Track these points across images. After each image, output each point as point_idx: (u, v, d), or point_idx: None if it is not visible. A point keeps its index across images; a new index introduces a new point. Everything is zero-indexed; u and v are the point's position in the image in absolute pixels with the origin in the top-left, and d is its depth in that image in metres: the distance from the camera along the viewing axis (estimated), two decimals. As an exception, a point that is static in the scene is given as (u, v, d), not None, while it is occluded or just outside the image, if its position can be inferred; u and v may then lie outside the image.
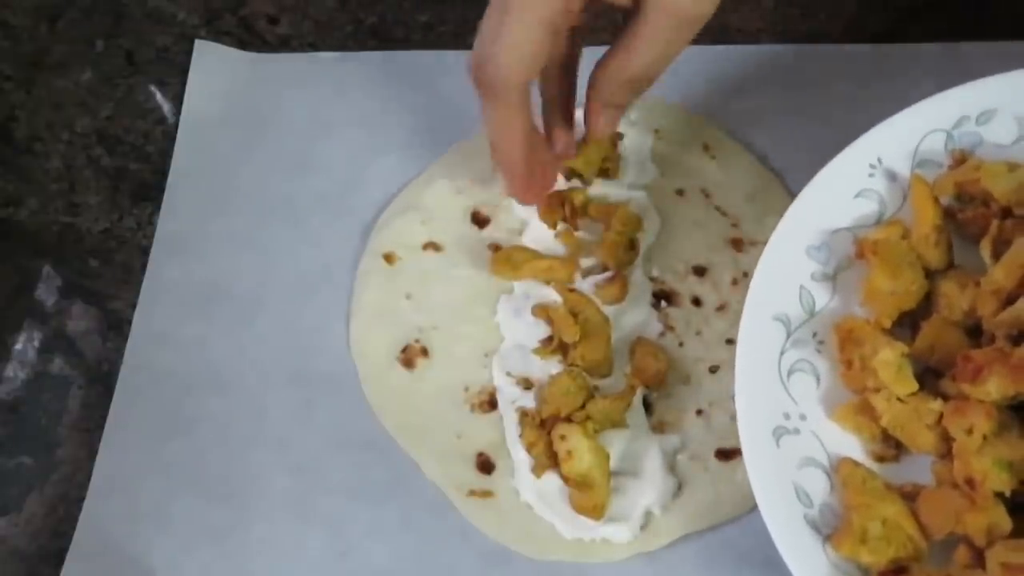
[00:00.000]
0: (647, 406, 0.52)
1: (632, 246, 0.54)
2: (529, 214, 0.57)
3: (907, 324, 0.49)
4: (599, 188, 0.57)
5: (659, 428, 0.51)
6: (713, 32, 0.63)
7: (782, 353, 0.48)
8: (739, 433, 0.46)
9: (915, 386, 0.46)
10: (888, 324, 0.48)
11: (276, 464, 0.52)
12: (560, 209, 0.55)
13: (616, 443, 0.50)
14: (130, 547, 0.50)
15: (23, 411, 0.55)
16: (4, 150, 0.63)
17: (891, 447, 0.47)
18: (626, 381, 0.51)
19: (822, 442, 0.47)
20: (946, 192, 0.51)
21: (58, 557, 0.50)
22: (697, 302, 0.55)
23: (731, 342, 0.54)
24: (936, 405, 0.45)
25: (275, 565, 0.50)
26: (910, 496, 0.45)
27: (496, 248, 0.56)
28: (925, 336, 0.48)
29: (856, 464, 0.46)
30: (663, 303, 0.55)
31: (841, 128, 0.59)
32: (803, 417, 0.47)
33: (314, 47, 0.65)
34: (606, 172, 0.57)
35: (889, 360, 0.46)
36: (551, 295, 0.53)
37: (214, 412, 0.53)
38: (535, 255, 0.54)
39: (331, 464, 0.52)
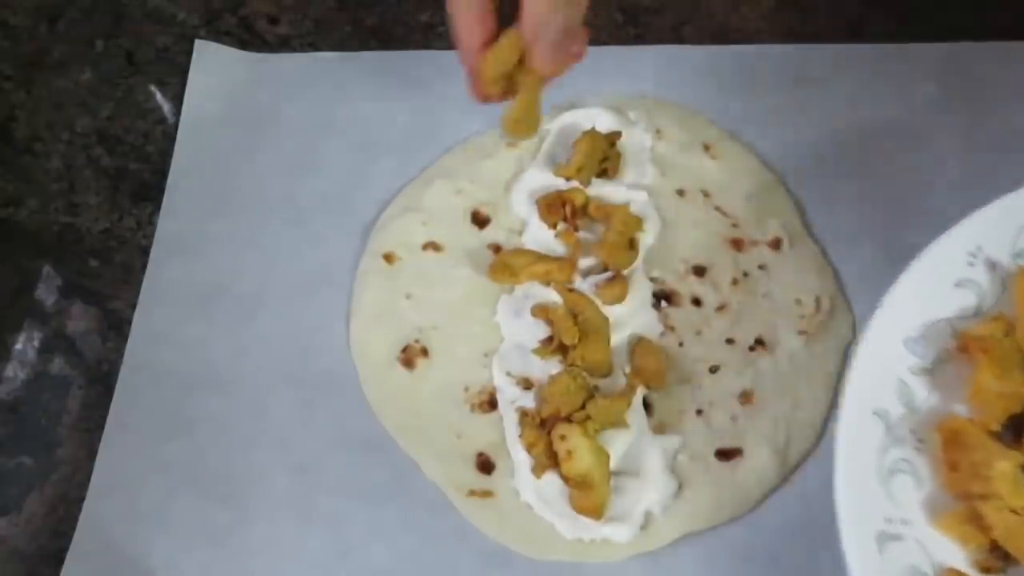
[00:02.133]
0: (647, 406, 0.52)
1: (632, 246, 0.54)
2: (529, 214, 0.57)
3: (1011, 428, 0.47)
4: (599, 188, 0.57)
5: (659, 428, 0.51)
6: (713, 32, 0.64)
7: (883, 451, 0.45)
8: (841, 537, 0.43)
9: None
10: (997, 427, 0.46)
11: (276, 464, 0.52)
12: (560, 209, 0.55)
13: (616, 443, 0.50)
14: (130, 547, 0.50)
15: (23, 411, 0.55)
16: (4, 150, 0.63)
17: (999, 559, 0.45)
18: (626, 381, 0.51)
19: (926, 549, 0.44)
20: None
21: (58, 557, 0.50)
22: (697, 302, 0.55)
23: (731, 342, 0.54)
24: None
25: (275, 565, 0.50)
26: None
27: (496, 248, 0.56)
28: None
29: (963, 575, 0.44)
30: (663, 303, 0.55)
31: (841, 128, 0.59)
32: (905, 522, 0.44)
33: (314, 47, 0.65)
34: (605, 172, 0.57)
35: (1007, 472, 0.44)
36: (551, 295, 0.53)
37: (214, 412, 0.53)
38: (533, 259, 0.54)
39: (331, 464, 0.52)
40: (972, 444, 0.45)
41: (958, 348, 0.47)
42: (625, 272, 0.54)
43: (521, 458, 0.50)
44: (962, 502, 0.45)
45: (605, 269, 0.54)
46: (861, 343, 0.46)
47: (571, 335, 0.51)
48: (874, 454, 0.45)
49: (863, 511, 0.44)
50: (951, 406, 0.47)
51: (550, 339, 0.52)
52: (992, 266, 0.48)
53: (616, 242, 0.54)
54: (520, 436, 0.50)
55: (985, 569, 0.45)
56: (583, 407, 0.49)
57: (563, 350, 0.52)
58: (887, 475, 0.45)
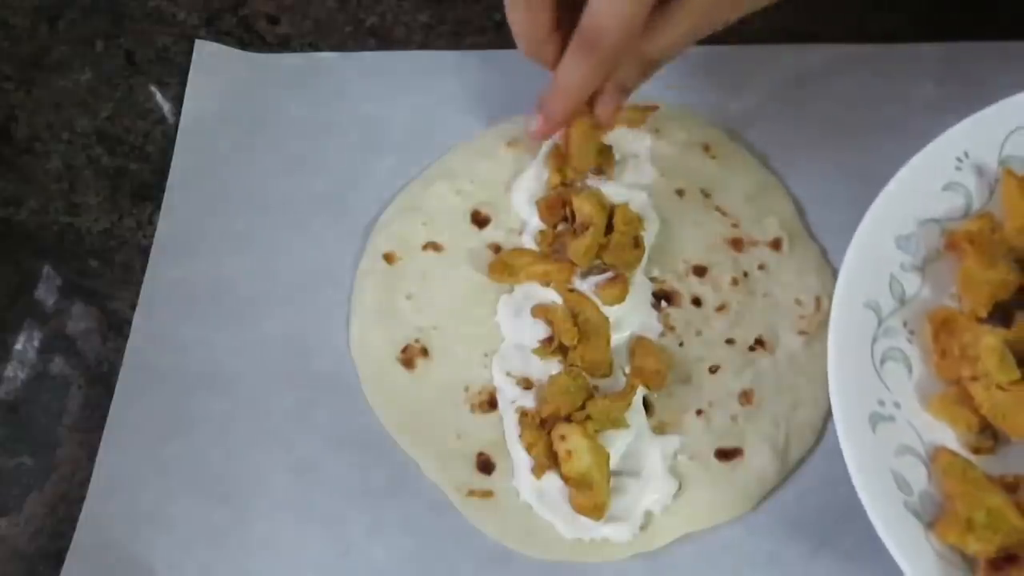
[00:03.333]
0: (647, 406, 0.52)
1: (637, 244, 0.54)
2: (529, 214, 0.57)
3: (998, 316, 0.49)
4: (599, 188, 0.57)
5: (659, 428, 0.51)
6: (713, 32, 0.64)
7: (874, 341, 0.47)
8: (835, 418, 0.45)
9: (1018, 373, 0.46)
10: (984, 314, 0.48)
11: (276, 464, 0.52)
12: (560, 209, 0.55)
13: (616, 443, 0.50)
14: (130, 547, 0.50)
15: (23, 411, 0.55)
16: (4, 150, 0.63)
17: (988, 438, 0.47)
18: (626, 381, 0.51)
19: (917, 431, 0.46)
20: None
21: (58, 557, 0.50)
22: (697, 302, 0.55)
23: (731, 342, 0.54)
24: None
25: (275, 565, 0.50)
26: (1011, 487, 0.45)
27: (496, 248, 0.56)
28: (1021, 326, 0.48)
29: (955, 454, 0.46)
30: (663, 303, 0.55)
31: (841, 128, 0.59)
32: (897, 405, 0.46)
33: (314, 47, 0.65)
34: (601, 170, 0.57)
35: (993, 346, 0.45)
36: (551, 295, 0.53)
37: (214, 412, 0.53)
38: (533, 258, 0.54)
39: (331, 464, 0.52)
40: (960, 329, 0.47)
41: (947, 246, 0.50)
42: (630, 272, 0.54)
43: (521, 458, 0.50)
44: (952, 386, 0.47)
45: (605, 269, 0.54)
46: (854, 241, 0.48)
47: (571, 336, 0.51)
48: (867, 343, 0.47)
49: (856, 393, 0.46)
50: (941, 300, 0.49)
51: (550, 339, 0.52)
52: (979, 171, 0.51)
53: (621, 242, 0.54)
54: (520, 436, 0.50)
55: (975, 450, 0.47)
56: (583, 407, 0.49)
57: (563, 350, 0.52)
58: (879, 362, 0.47)
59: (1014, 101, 0.51)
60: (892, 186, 0.50)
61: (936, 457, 0.46)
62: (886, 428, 0.45)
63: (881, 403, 0.46)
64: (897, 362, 0.48)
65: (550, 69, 0.52)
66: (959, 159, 0.51)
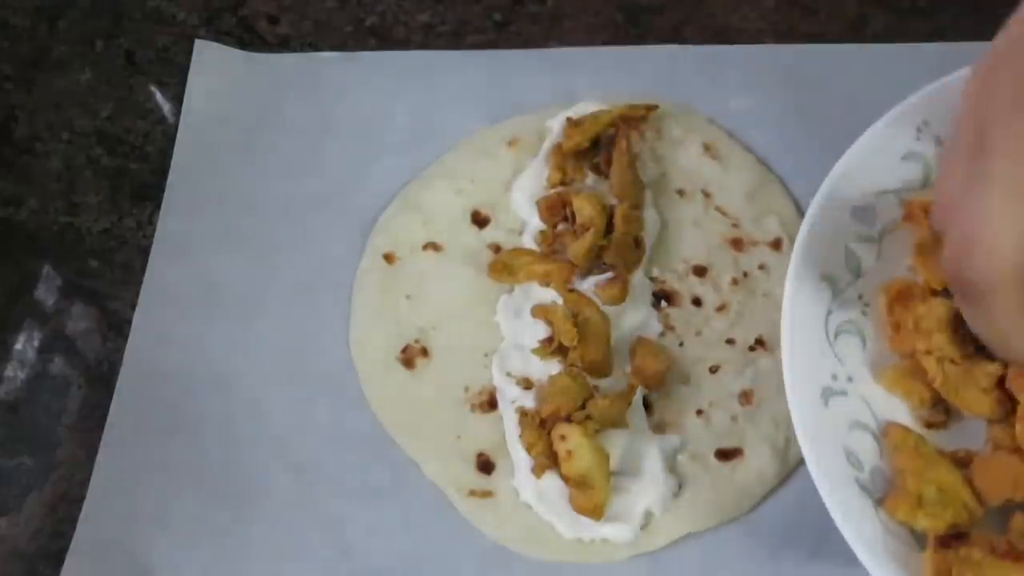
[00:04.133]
0: (647, 406, 0.52)
1: (637, 244, 0.54)
2: (529, 214, 0.57)
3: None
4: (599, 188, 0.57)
5: (659, 428, 0.51)
6: (713, 32, 0.64)
7: (829, 313, 0.46)
8: (787, 392, 0.44)
9: (971, 347, 0.45)
10: (939, 286, 0.47)
11: (276, 464, 0.52)
12: (560, 209, 0.55)
13: (616, 443, 0.50)
14: (130, 547, 0.50)
15: (23, 411, 0.55)
16: (4, 150, 0.63)
17: (940, 413, 0.46)
18: (626, 381, 0.51)
19: (870, 406, 0.46)
20: None
21: (58, 557, 0.50)
22: (697, 302, 0.55)
23: (731, 342, 0.54)
24: (992, 367, 0.44)
25: (275, 565, 0.50)
26: (962, 463, 0.44)
27: (496, 248, 0.56)
28: None
29: (907, 429, 0.45)
30: (663, 303, 0.55)
31: (841, 128, 0.59)
32: (850, 379, 0.46)
33: (314, 47, 0.65)
34: (597, 168, 0.57)
35: (946, 319, 0.45)
36: (551, 295, 0.53)
37: (214, 412, 0.53)
38: (533, 258, 0.54)
39: (331, 464, 0.52)
40: (915, 301, 0.46)
41: (904, 216, 0.49)
42: (631, 272, 0.54)
43: (521, 458, 0.50)
44: (906, 359, 0.46)
45: (605, 269, 0.54)
46: (809, 212, 0.47)
47: (570, 336, 0.51)
48: (821, 316, 0.46)
49: (809, 367, 0.45)
50: (897, 272, 0.48)
51: (550, 339, 0.52)
52: (939, 140, 0.50)
53: (622, 242, 0.54)
54: (520, 436, 0.50)
55: (928, 424, 0.47)
56: (583, 407, 0.49)
57: (563, 350, 0.52)
58: (833, 336, 0.46)
59: None
60: (848, 157, 0.49)
61: (888, 432, 0.45)
62: (838, 403, 0.45)
63: (834, 377, 0.45)
64: (851, 335, 0.47)
65: None
66: (918, 129, 0.50)
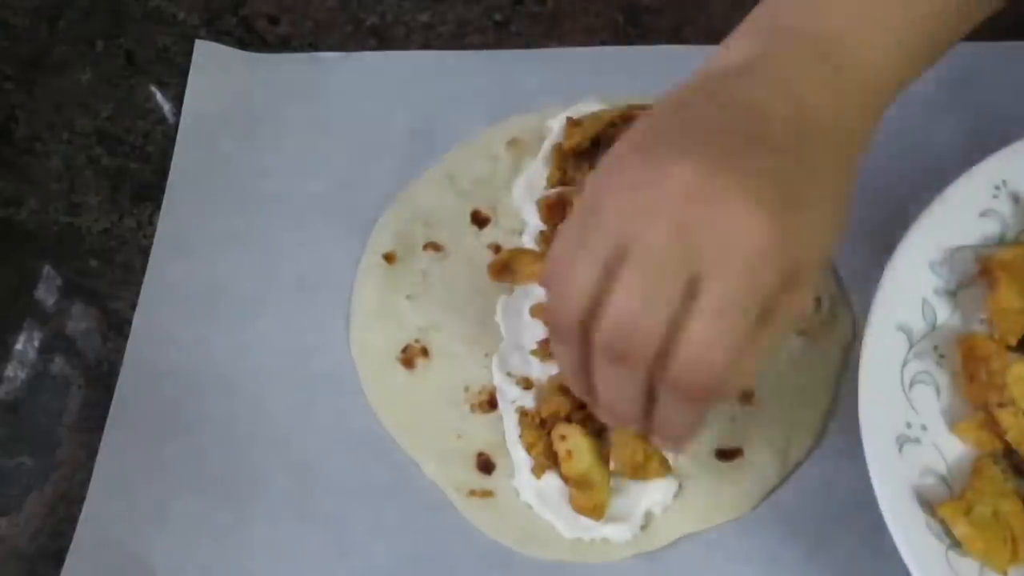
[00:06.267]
0: (647, 406, 0.52)
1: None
2: (529, 214, 0.57)
3: None
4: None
5: (659, 428, 0.51)
6: (713, 32, 0.64)
7: (904, 364, 0.48)
8: (863, 438, 0.45)
9: None
10: (1014, 342, 0.48)
11: (276, 464, 0.52)
12: (560, 209, 0.55)
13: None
14: (130, 547, 0.50)
15: (23, 411, 0.55)
16: (4, 150, 0.63)
17: (1013, 465, 0.47)
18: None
19: (943, 454, 0.46)
20: None
21: (58, 557, 0.50)
22: (697, 302, 0.55)
23: (731, 342, 0.53)
24: None
25: (275, 565, 0.50)
26: None
27: (496, 248, 0.56)
28: None
29: (995, 460, 0.46)
30: (663, 303, 0.55)
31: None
32: (924, 428, 0.47)
33: (314, 47, 0.65)
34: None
35: (1020, 375, 0.46)
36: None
37: (214, 412, 0.53)
38: (533, 259, 0.54)
39: (331, 464, 0.52)
40: (990, 356, 0.47)
41: (980, 272, 0.50)
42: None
43: (521, 458, 0.50)
44: (979, 411, 0.47)
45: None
46: (889, 264, 0.49)
47: None
48: (897, 365, 0.47)
49: (885, 414, 0.46)
50: (971, 326, 0.49)
51: (547, 341, 0.52)
52: (1016, 199, 0.51)
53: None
54: (520, 436, 0.50)
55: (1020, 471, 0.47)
56: (583, 407, 0.49)
57: (562, 351, 0.52)
58: (908, 385, 0.47)
59: None
60: (929, 211, 0.50)
61: (976, 460, 0.46)
62: (912, 450, 0.46)
63: (908, 425, 0.46)
64: (926, 385, 0.48)
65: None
66: (997, 187, 0.51)
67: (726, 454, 0.51)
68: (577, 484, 0.48)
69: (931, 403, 0.48)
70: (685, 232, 0.35)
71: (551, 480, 0.49)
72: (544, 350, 0.52)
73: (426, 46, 0.65)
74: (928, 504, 0.45)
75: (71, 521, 0.51)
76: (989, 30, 0.62)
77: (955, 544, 0.44)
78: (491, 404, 0.53)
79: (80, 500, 0.51)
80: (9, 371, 0.56)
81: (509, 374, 0.52)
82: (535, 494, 0.50)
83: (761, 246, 0.35)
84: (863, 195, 0.56)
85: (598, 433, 0.49)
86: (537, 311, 0.53)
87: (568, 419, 0.49)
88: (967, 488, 0.45)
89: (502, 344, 0.54)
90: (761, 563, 0.49)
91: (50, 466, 0.53)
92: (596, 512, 0.48)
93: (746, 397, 0.52)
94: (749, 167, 0.36)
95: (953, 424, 0.47)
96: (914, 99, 0.59)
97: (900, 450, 0.46)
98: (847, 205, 0.39)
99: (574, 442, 0.48)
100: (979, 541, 0.43)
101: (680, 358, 0.35)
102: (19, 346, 0.57)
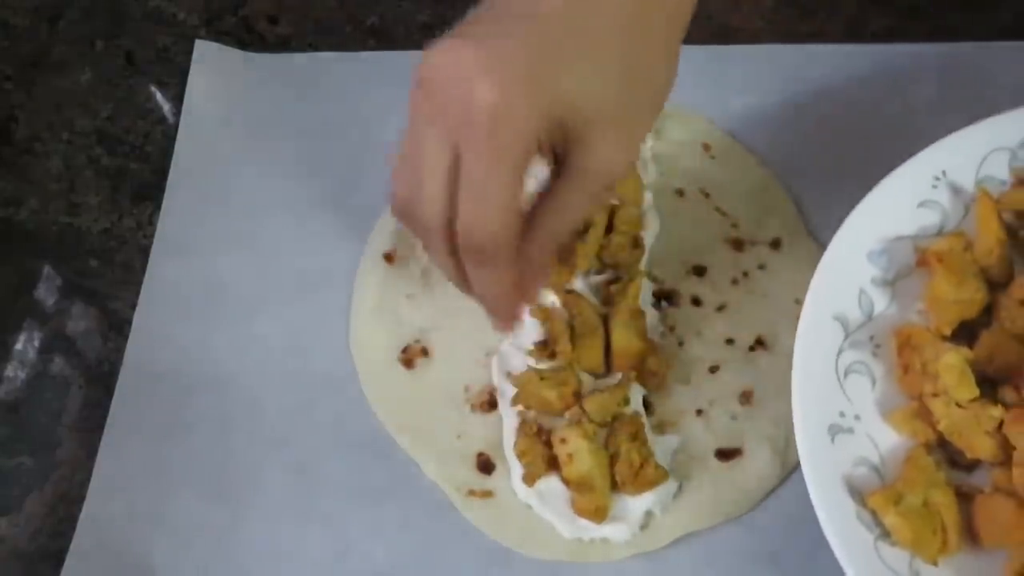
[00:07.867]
0: (647, 406, 0.52)
1: (637, 244, 0.54)
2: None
3: (963, 335, 0.49)
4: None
5: (659, 428, 0.51)
6: (713, 32, 0.64)
7: (839, 353, 0.48)
8: (795, 426, 0.46)
9: (976, 391, 0.46)
10: (948, 332, 0.48)
11: (276, 464, 0.52)
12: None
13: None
14: (130, 547, 0.50)
15: (23, 411, 0.55)
16: (4, 150, 0.63)
17: (946, 455, 0.47)
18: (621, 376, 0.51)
19: (876, 444, 0.47)
20: (1009, 208, 0.51)
21: (58, 557, 0.50)
22: (697, 302, 0.55)
23: (731, 342, 0.54)
24: (996, 411, 0.46)
25: (274, 565, 0.50)
26: (966, 497, 0.46)
27: (496, 248, 0.56)
28: (984, 345, 0.48)
29: (927, 451, 0.46)
30: (663, 303, 0.55)
31: (841, 128, 0.59)
32: (857, 417, 0.47)
33: (314, 47, 0.65)
34: None
35: (953, 364, 0.46)
36: (550, 296, 0.53)
37: (214, 412, 0.53)
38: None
39: (331, 464, 0.52)
40: (924, 345, 0.47)
41: (918, 262, 0.50)
42: (632, 271, 0.54)
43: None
44: (913, 400, 0.48)
45: (603, 269, 0.54)
46: (826, 253, 0.49)
47: (565, 348, 0.51)
48: (832, 354, 0.48)
49: (817, 403, 0.46)
50: (908, 316, 0.49)
51: (545, 342, 0.52)
52: (956, 190, 0.51)
53: (620, 242, 0.54)
54: (514, 444, 0.50)
55: (953, 463, 0.47)
56: (579, 403, 0.49)
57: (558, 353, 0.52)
58: (843, 375, 0.48)
59: (994, 121, 0.52)
60: (867, 201, 0.50)
61: (910, 452, 0.46)
62: (844, 440, 0.46)
63: (842, 414, 0.47)
64: (861, 375, 0.48)
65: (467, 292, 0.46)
66: (936, 178, 0.51)
67: (726, 454, 0.51)
68: (578, 487, 0.48)
69: (866, 393, 0.48)
70: (442, 112, 0.39)
71: (551, 480, 0.49)
72: (540, 352, 0.52)
73: (426, 46, 0.65)
74: (859, 494, 0.45)
75: (71, 521, 0.51)
76: (989, 30, 0.62)
77: (884, 534, 0.44)
78: (491, 404, 0.53)
79: (80, 500, 0.51)
80: (9, 371, 0.56)
81: (509, 374, 0.52)
82: (535, 494, 0.50)
83: (492, 108, 0.38)
84: (862, 195, 0.57)
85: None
86: (537, 311, 0.53)
87: (563, 415, 0.49)
88: (898, 478, 0.45)
89: (502, 344, 0.54)
90: (761, 563, 0.49)
91: (50, 466, 0.53)
92: (598, 515, 0.48)
93: (746, 397, 0.52)
94: (489, 39, 0.39)
95: (887, 414, 0.47)
96: (914, 99, 0.60)
97: (833, 440, 0.46)
98: (644, 53, 0.42)
99: (574, 445, 0.48)
100: (908, 531, 0.43)
101: (459, 226, 0.40)
102: (19, 346, 0.57)
